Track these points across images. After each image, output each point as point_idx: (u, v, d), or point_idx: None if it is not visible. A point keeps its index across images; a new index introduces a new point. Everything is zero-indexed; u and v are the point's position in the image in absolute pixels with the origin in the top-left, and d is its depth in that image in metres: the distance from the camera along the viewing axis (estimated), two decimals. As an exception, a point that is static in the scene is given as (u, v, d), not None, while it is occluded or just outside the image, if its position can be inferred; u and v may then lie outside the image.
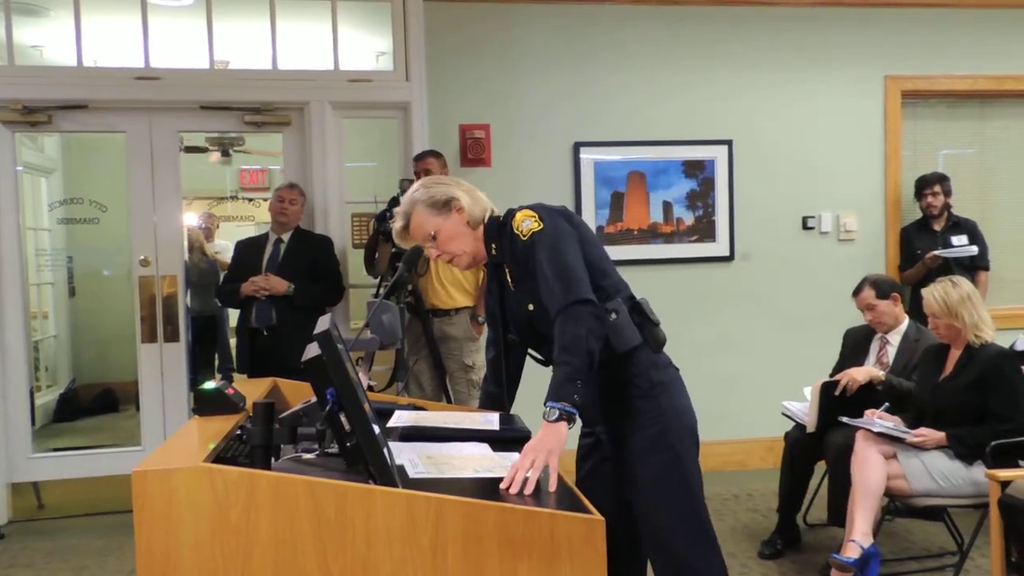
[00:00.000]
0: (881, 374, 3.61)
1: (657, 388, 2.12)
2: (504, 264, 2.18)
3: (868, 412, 3.46)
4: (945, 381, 3.38)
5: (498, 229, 2.17)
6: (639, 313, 2.14)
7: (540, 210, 2.13)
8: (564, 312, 1.97)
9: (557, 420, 1.87)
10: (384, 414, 2.22)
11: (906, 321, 3.82)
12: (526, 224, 2.09)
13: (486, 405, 2.43)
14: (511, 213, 2.15)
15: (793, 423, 3.88)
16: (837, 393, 3.59)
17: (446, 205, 2.16)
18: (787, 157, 5.18)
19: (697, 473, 2.15)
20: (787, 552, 3.75)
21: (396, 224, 2.22)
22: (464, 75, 4.89)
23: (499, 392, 2.37)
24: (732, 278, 5.16)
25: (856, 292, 3.85)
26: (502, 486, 1.71)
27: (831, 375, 3.76)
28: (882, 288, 3.78)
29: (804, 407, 3.76)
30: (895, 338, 3.79)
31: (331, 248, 4.42)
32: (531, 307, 2.12)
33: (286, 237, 4.36)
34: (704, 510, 2.15)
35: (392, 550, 1.52)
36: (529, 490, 1.70)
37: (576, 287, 2.00)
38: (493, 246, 2.18)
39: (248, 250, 4.45)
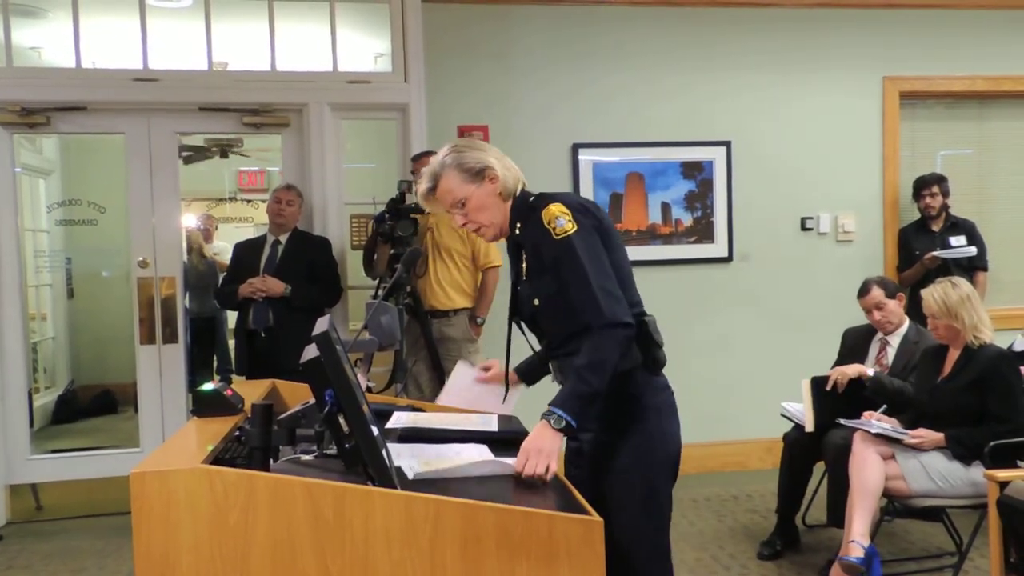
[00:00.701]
0: (870, 371, 3.61)
1: (649, 411, 2.07)
2: (523, 248, 2.12)
3: (866, 414, 3.46)
4: (944, 382, 3.38)
5: (527, 211, 2.09)
6: (643, 333, 2.07)
7: (574, 208, 2.03)
8: (604, 330, 1.92)
9: (559, 429, 1.86)
10: (383, 415, 2.22)
11: (907, 322, 3.82)
12: (560, 222, 1.99)
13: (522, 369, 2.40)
14: (543, 200, 2.06)
15: (792, 424, 3.88)
16: (828, 388, 3.61)
17: (480, 173, 2.07)
18: (785, 158, 5.19)
19: (668, 500, 2.12)
20: (786, 553, 3.75)
21: (422, 186, 2.10)
22: (462, 76, 4.88)
23: (535, 364, 2.36)
24: (731, 279, 5.16)
25: (862, 293, 3.82)
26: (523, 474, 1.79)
27: (828, 376, 3.77)
28: (889, 288, 3.81)
29: (803, 408, 3.76)
30: (895, 339, 3.79)
31: (329, 249, 4.41)
32: (537, 302, 2.08)
33: (284, 238, 4.36)
34: (666, 537, 2.13)
35: (391, 551, 1.52)
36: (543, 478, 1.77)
37: (619, 307, 1.95)
38: (518, 225, 2.11)
39: (246, 252, 4.45)
